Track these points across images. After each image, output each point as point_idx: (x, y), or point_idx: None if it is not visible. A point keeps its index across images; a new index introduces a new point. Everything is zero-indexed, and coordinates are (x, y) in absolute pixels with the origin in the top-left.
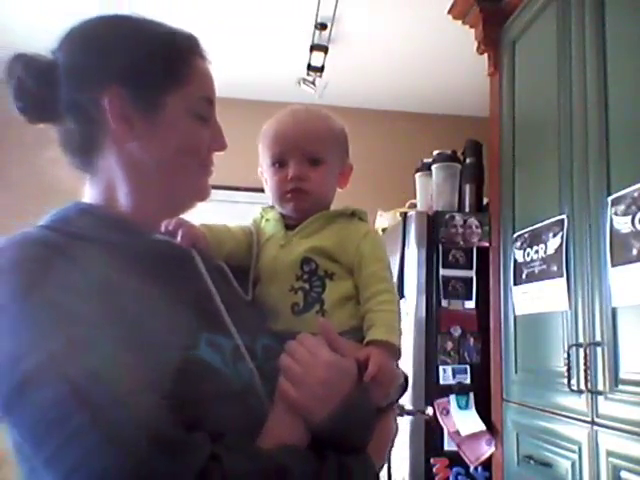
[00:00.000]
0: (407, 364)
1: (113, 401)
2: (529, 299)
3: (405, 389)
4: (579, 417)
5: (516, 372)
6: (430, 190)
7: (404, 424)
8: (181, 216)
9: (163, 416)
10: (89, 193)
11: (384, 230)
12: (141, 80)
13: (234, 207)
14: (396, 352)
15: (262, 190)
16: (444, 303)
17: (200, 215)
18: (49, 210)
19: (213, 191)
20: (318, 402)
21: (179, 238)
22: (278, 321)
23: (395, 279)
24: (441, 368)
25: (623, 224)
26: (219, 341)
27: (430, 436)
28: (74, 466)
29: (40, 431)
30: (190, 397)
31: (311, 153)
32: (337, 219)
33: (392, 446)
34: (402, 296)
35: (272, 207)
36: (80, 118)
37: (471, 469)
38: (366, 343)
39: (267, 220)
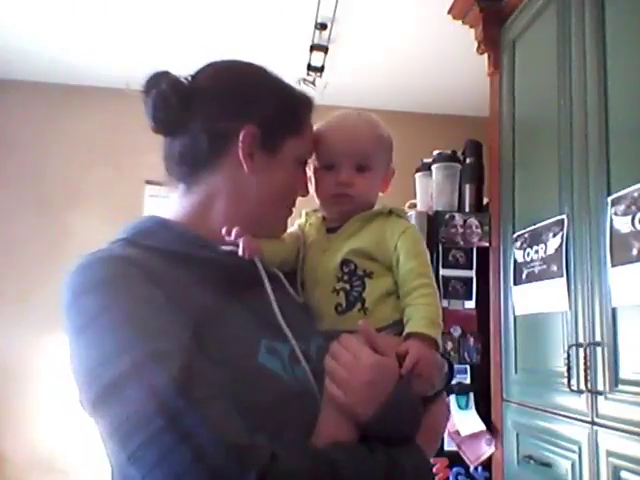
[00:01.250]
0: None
1: (188, 406)
2: (529, 299)
3: (452, 377)
4: (579, 417)
5: (516, 372)
6: (430, 190)
7: None
8: None
9: (230, 421)
10: (177, 201)
11: None
12: (272, 125)
13: None
14: (435, 344)
15: None
16: (444, 303)
17: None
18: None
19: None
20: (364, 403)
21: (240, 250)
22: (324, 322)
23: None
24: None
25: (623, 224)
26: (277, 347)
27: None
28: (155, 463)
29: (124, 431)
30: (253, 403)
31: (360, 160)
32: (375, 219)
33: (444, 432)
34: None
35: (315, 211)
36: (213, 139)
37: (471, 469)
38: (405, 336)
39: (310, 224)
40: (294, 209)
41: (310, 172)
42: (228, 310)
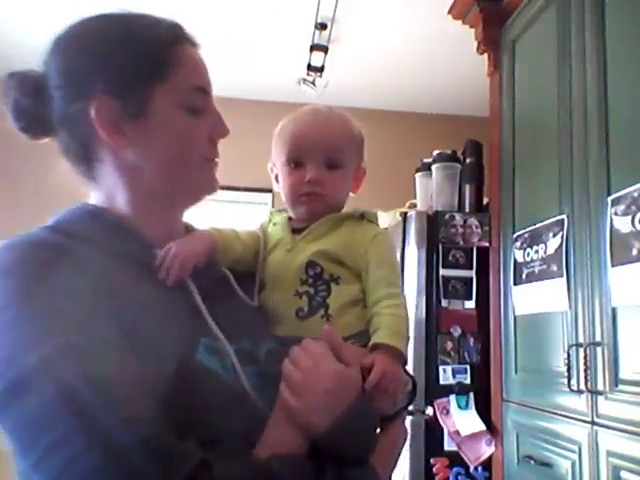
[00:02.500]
0: (407, 364)
1: (104, 406)
2: (529, 299)
3: (414, 395)
4: (579, 417)
5: (516, 372)
6: (430, 190)
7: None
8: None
9: (155, 422)
10: (93, 200)
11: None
12: (125, 83)
13: (234, 207)
14: (402, 357)
15: (262, 190)
16: (444, 303)
17: (200, 215)
18: (56, 211)
19: None
20: (320, 413)
21: (170, 275)
22: (283, 326)
23: None
24: (441, 368)
25: (623, 224)
26: (219, 347)
27: (430, 436)
28: (61, 470)
29: (29, 434)
30: (188, 402)
31: (330, 157)
32: (345, 222)
33: (400, 455)
34: None
35: (280, 211)
36: (72, 130)
37: (471, 469)
38: (371, 347)
39: (275, 224)
40: (217, 158)
41: (276, 169)
42: (157, 307)
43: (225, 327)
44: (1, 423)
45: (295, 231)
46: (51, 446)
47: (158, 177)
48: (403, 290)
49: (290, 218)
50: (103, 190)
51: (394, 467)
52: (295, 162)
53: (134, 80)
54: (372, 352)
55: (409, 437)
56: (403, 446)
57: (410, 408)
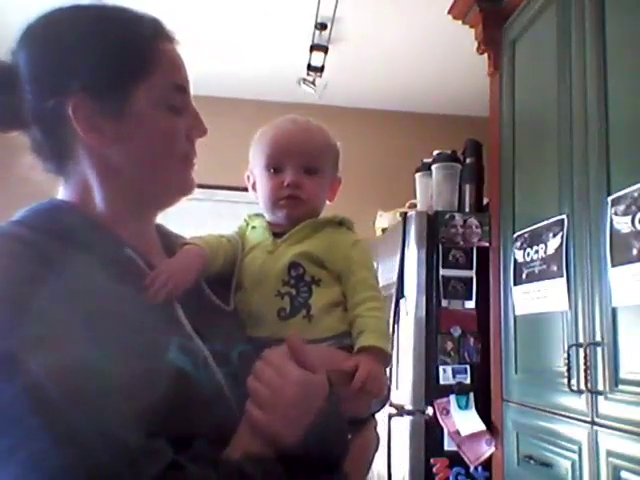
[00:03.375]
0: (407, 364)
1: (71, 403)
2: (529, 299)
3: (387, 400)
4: (579, 417)
5: (516, 372)
6: (430, 190)
7: (404, 424)
8: (158, 222)
9: (124, 421)
10: (62, 196)
11: (384, 230)
12: (104, 81)
13: (234, 207)
14: (387, 359)
15: None
16: (444, 303)
17: (200, 215)
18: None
19: (213, 191)
20: (288, 424)
21: (159, 296)
22: (263, 327)
23: (395, 279)
24: (441, 368)
25: (623, 224)
26: (193, 347)
27: (430, 436)
28: (25, 468)
29: None
30: (159, 401)
31: (309, 162)
32: (325, 227)
33: (373, 459)
34: (402, 296)
35: (257, 215)
36: (46, 127)
37: (471, 469)
38: (357, 349)
39: (253, 227)
40: (195, 159)
41: (253, 177)
42: (129, 305)
43: (198, 329)
44: None
45: (275, 235)
46: (15, 444)
47: (136, 176)
48: (381, 293)
49: (269, 223)
50: (74, 187)
51: (367, 472)
52: (274, 167)
53: (114, 78)
54: (358, 354)
55: (409, 437)
56: (376, 451)
57: (410, 408)
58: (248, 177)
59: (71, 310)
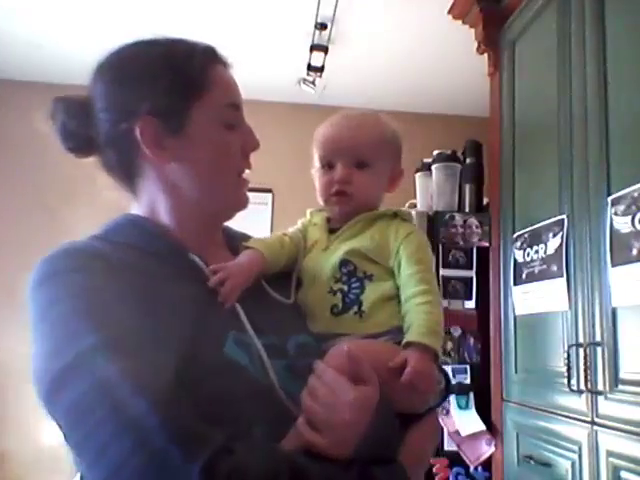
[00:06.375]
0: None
1: (133, 393)
2: (529, 299)
3: (448, 392)
4: (579, 417)
5: (516, 372)
6: (430, 190)
7: None
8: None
9: (180, 407)
10: (134, 211)
11: None
12: (166, 104)
13: None
14: (434, 355)
15: (262, 190)
16: (444, 303)
17: None
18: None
19: None
20: (342, 444)
21: (220, 298)
22: (318, 323)
23: None
24: None
25: (623, 224)
26: (248, 340)
27: None
28: (98, 453)
29: (70, 422)
30: (213, 392)
31: (357, 156)
32: (378, 221)
33: (432, 451)
34: None
35: (320, 210)
36: (118, 149)
37: (471, 469)
38: (404, 345)
39: (314, 224)
40: (248, 171)
41: (314, 172)
42: (195, 302)
43: (257, 323)
44: (51, 412)
45: (332, 230)
46: (88, 432)
47: (196, 192)
48: (436, 287)
49: (328, 219)
50: (144, 202)
51: (426, 464)
52: (327, 164)
53: (174, 100)
54: (405, 349)
55: None
56: (436, 443)
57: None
58: (314, 175)
59: (137, 313)
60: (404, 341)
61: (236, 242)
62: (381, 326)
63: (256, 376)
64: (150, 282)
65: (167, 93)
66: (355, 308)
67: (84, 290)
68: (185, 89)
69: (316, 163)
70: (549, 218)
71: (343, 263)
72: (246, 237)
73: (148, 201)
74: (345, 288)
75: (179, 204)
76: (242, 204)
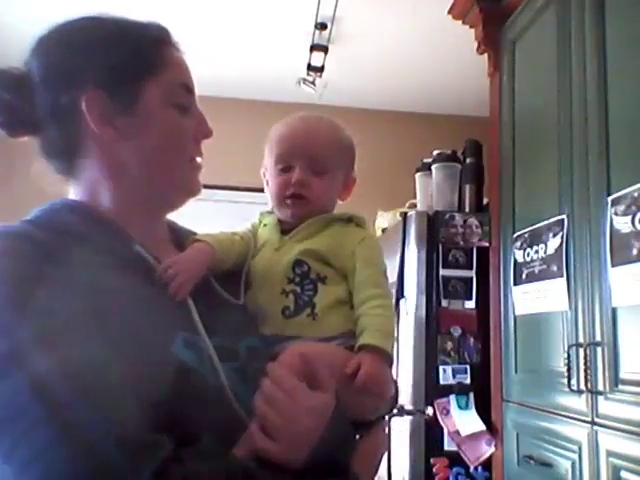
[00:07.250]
0: (407, 364)
1: (72, 397)
2: (529, 299)
3: (396, 401)
4: (579, 417)
5: (516, 372)
6: (430, 190)
7: (404, 424)
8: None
9: (125, 413)
10: (72, 196)
11: (384, 230)
12: (116, 77)
13: (234, 207)
14: (388, 358)
15: (262, 190)
16: (444, 303)
17: (200, 215)
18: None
19: (213, 191)
20: (296, 451)
21: (170, 292)
22: (268, 325)
23: (395, 279)
24: (441, 368)
25: (623, 224)
26: (199, 342)
27: (430, 436)
28: (29, 461)
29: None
30: (160, 394)
31: (317, 161)
32: (333, 224)
33: (380, 462)
34: (402, 296)
35: (270, 212)
36: (60, 123)
37: (471, 469)
38: (358, 348)
39: (265, 225)
40: (201, 159)
41: (267, 174)
42: (135, 301)
43: (207, 324)
44: None
45: (284, 232)
46: (18, 437)
47: (144, 173)
48: (389, 291)
49: (279, 220)
50: (84, 186)
51: (376, 472)
52: (283, 165)
53: (125, 74)
54: (359, 353)
55: (409, 437)
56: (384, 454)
57: (410, 408)
58: (264, 173)
59: (76, 307)
60: (358, 344)
61: (182, 238)
62: (334, 330)
63: (204, 378)
64: (88, 272)
65: (117, 66)
66: (308, 310)
67: (15, 279)
68: (137, 64)
69: (268, 162)
70: (549, 218)
71: (297, 263)
72: (192, 233)
73: (89, 184)
74: (298, 289)
75: (124, 187)
76: (195, 189)
